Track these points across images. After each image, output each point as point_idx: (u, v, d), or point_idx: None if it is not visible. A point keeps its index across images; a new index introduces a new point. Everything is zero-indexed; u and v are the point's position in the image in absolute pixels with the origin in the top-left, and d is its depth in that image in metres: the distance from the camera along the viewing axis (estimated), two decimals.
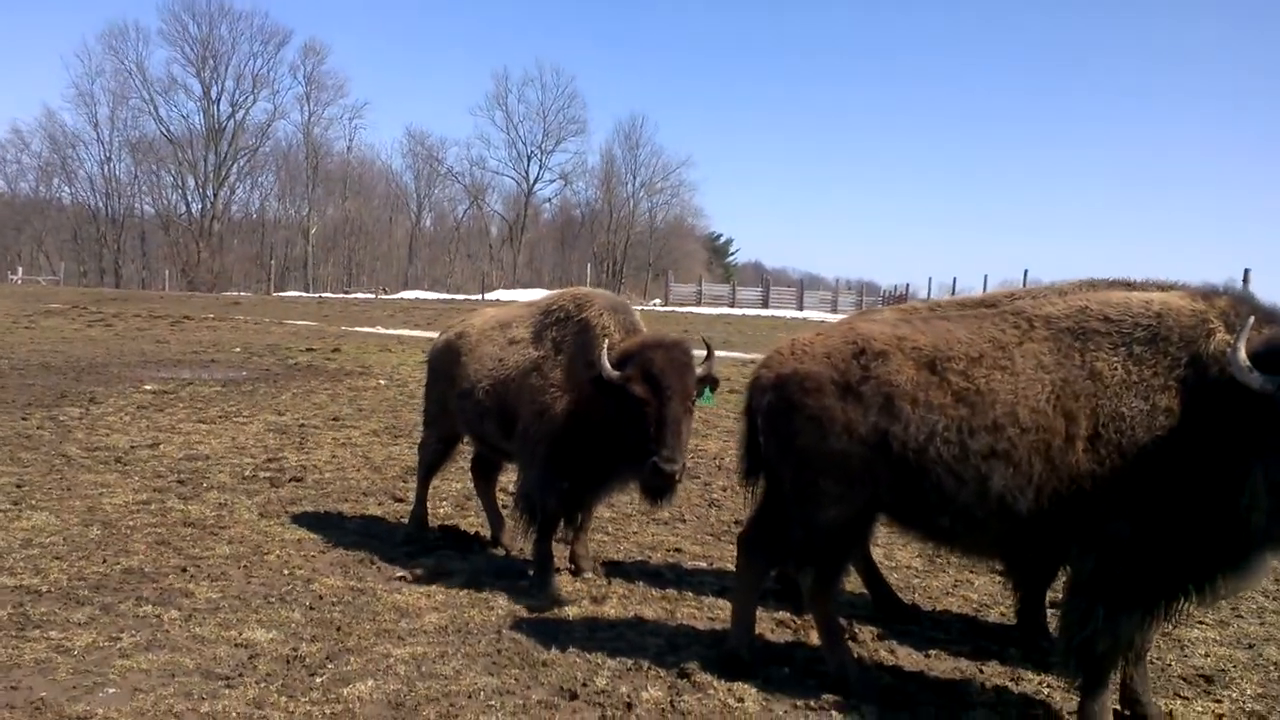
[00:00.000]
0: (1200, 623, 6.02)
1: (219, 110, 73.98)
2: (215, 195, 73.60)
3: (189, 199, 73.99)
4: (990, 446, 4.45)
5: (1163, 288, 5.03)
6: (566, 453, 6.06)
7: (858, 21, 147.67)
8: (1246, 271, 24.04)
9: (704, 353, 5.92)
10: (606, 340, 5.84)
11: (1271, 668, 5.40)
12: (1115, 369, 4.37)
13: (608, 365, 5.54)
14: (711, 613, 5.97)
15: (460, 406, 6.99)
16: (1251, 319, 4.02)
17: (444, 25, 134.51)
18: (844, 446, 4.72)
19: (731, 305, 59.78)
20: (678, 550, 7.43)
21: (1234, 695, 5.00)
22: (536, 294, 7.84)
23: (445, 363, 7.28)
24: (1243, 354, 3.86)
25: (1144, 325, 4.41)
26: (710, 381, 5.80)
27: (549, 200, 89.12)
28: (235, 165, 75.34)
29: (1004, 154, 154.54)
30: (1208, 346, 4.24)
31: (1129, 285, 5.31)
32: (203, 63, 72.97)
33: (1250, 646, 5.72)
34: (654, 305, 58.56)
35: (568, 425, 6.01)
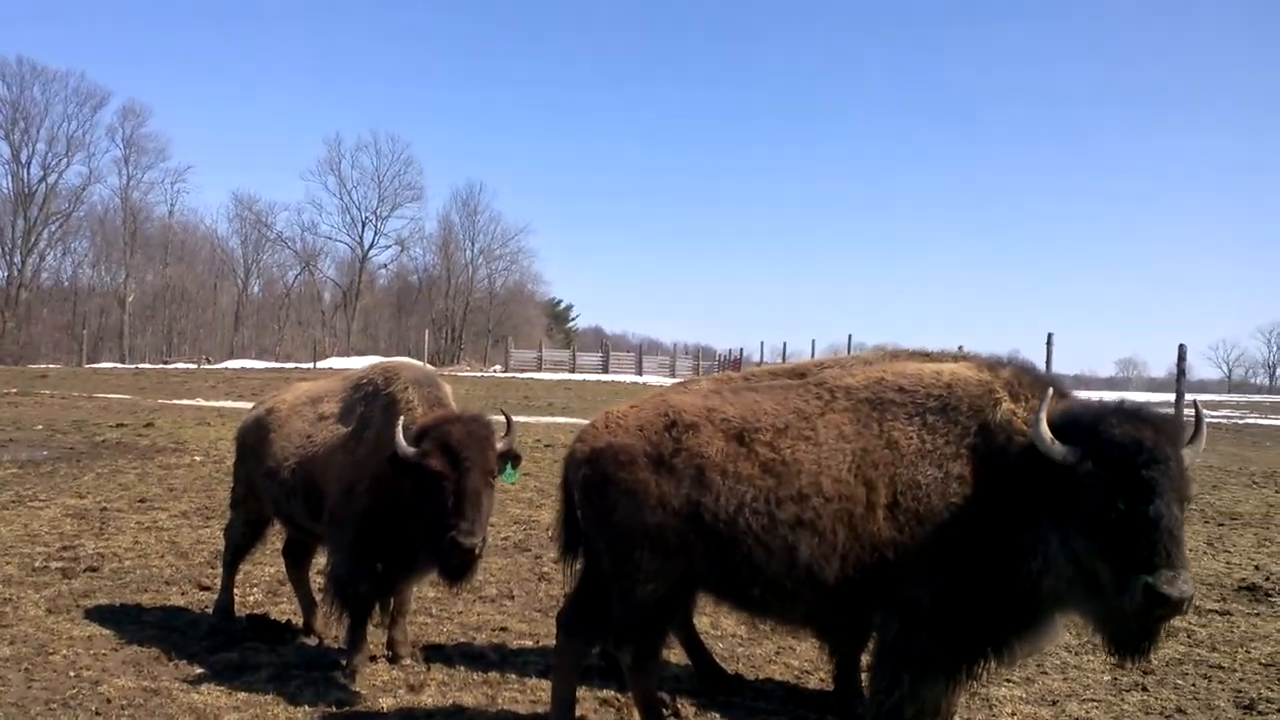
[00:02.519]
0: (1008, 680, 6.25)
1: (29, 174, 69.65)
2: (23, 262, 68.94)
3: None
4: (796, 516, 4.52)
5: (956, 358, 5.32)
6: (377, 534, 5.84)
7: (696, 91, 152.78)
8: (1050, 335, 25.88)
9: (505, 427, 5.86)
10: (404, 416, 5.70)
11: None
12: (911, 438, 4.53)
13: (403, 441, 5.41)
14: (534, 695, 5.81)
15: (266, 486, 6.67)
16: (1050, 391, 4.22)
17: (273, 88, 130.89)
18: (659, 519, 4.71)
19: (572, 370, 60.00)
20: (503, 629, 7.24)
21: None
22: (372, 361, 7.61)
23: (253, 440, 6.95)
24: (1044, 425, 4.03)
25: (935, 395, 4.60)
26: (512, 457, 5.74)
27: (385, 266, 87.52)
28: (46, 231, 70.91)
29: (834, 219, 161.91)
30: (994, 415, 4.44)
31: (925, 355, 5.58)
32: (12, 124, 68.69)
33: (1054, 703, 5.96)
34: (494, 371, 58.08)
35: (376, 505, 5.81)
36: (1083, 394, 5.38)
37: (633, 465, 4.80)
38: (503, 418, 5.94)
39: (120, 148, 74.11)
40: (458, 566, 5.39)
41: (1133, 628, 3.94)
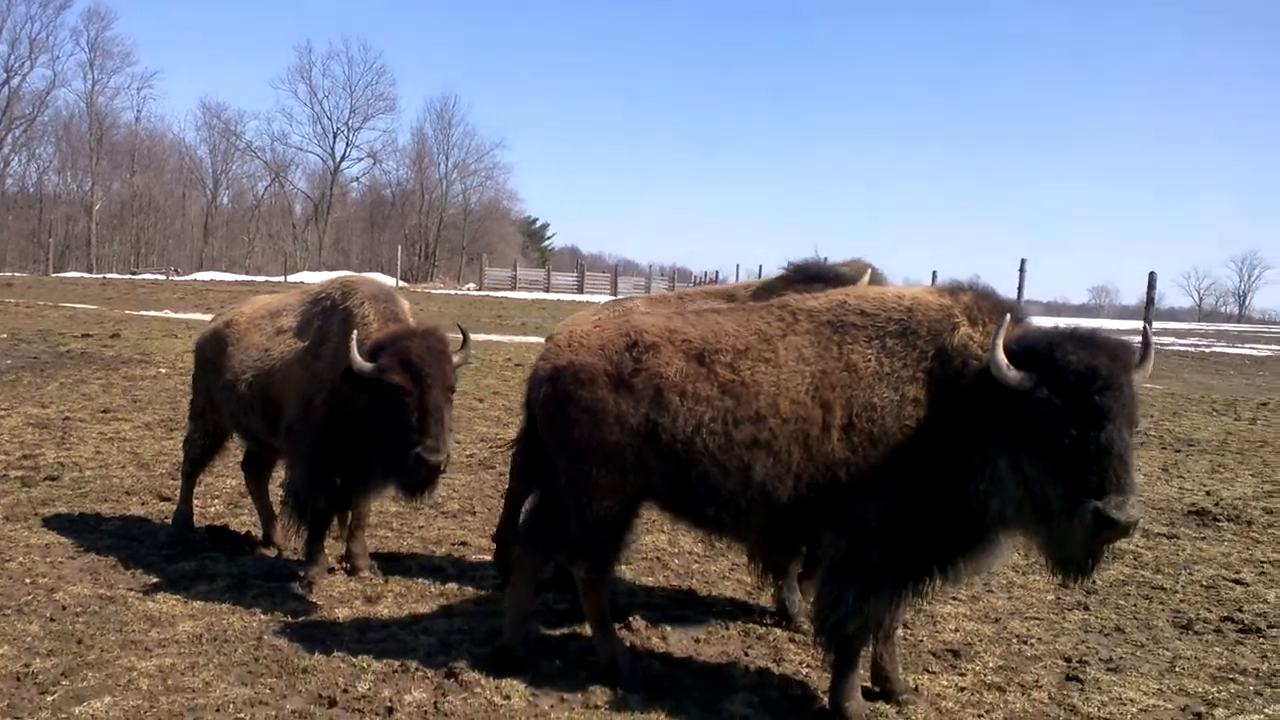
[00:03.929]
0: (953, 599, 6.39)
1: None
2: None
3: None
4: (753, 436, 4.55)
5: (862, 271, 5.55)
6: (334, 448, 5.83)
7: (677, 5, 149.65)
8: (1023, 261, 25.99)
9: (460, 341, 5.84)
10: (358, 331, 5.64)
11: (1014, 640, 5.78)
12: (869, 361, 4.54)
13: (358, 356, 5.37)
14: (490, 607, 5.88)
15: (225, 399, 6.63)
16: (1007, 317, 4.22)
17: None
18: (616, 438, 4.73)
19: (547, 290, 59.72)
20: (463, 544, 7.31)
21: (977, 668, 5.33)
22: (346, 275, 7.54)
23: (212, 352, 6.87)
24: (1000, 351, 4.05)
25: (895, 319, 4.60)
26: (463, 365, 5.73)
27: (357, 179, 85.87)
28: (10, 136, 69.00)
29: (813, 143, 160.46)
30: (952, 340, 4.45)
31: (836, 274, 5.74)
32: None
33: (996, 620, 6.11)
34: (468, 289, 57.75)
35: (333, 419, 5.78)
36: (1052, 320, 5.42)
37: (592, 384, 4.79)
38: (459, 333, 5.92)
39: (85, 50, 71.90)
40: (421, 482, 5.41)
41: (1078, 549, 4.02)
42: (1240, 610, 6.38)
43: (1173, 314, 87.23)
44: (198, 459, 7.28)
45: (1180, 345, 36.25)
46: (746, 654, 5.41)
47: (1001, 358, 4.04)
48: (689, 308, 5.71)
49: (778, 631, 5.76)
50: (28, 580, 5.95)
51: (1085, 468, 3.81)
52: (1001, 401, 4.06)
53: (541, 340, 20.32)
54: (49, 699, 4.40)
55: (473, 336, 5.86)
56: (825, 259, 6.26)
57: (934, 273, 24.63)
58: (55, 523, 7.19)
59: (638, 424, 4.71)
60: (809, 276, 5.89)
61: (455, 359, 5.58)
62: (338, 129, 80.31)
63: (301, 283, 40.05)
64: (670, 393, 4.68)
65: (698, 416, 4.62)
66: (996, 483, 4.15)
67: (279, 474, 7.40)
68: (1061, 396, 3.88)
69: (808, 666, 5.23)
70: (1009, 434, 4.07)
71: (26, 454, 9.31)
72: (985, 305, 4.55)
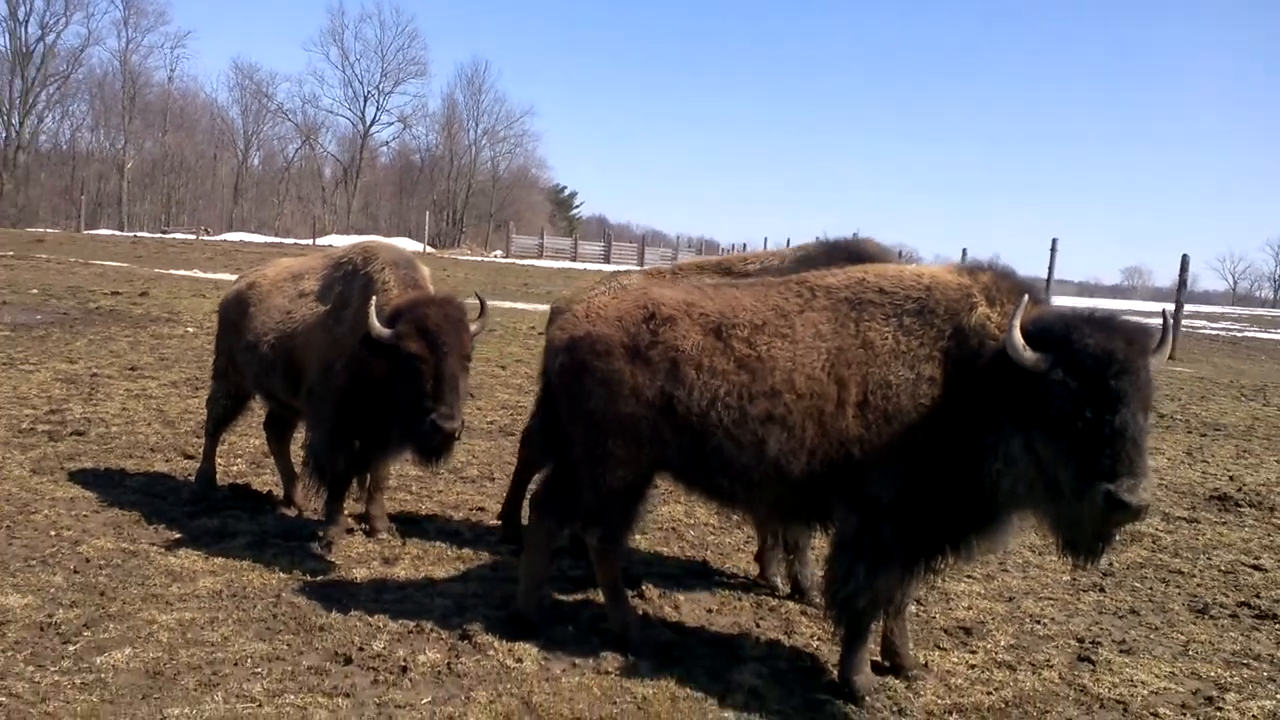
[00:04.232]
0: (968, 576, 6.39)
1: (26, 32, 68.03)
2: (21, 124, 67.82)
3: None
4: (768, 411, 4.55)
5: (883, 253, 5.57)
6: (354, 412, 5.89)
7: None
8: (1054, 241, 25.68)
9: (478, 310, 5.89)
10: (377, 297, 5.67)
11: (1027, 620, 5.78)
12: (886, 338, 4.53)
13: (376, 323, 5.41)
14: (505, 572, 5.94)
15: (247, 360, 6.70)
16: (1025, 298, 4.20)
17: None
18: (632, 409, 4.75)
19: (573, 259, 59.70)
20: (481, 509, 7.38)
21: (988, 646, 5.33)
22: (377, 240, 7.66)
23: (234, 313, 6.94)
24: (1017, 332, 4.03)
25: (914, 298, 4.58)
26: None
27: (386, 144, 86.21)
28: (44, 92, 69.66)
29: (844, 120, 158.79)
30: (969, 319, 4.43)
31: (855, 251, 5.75)
32: None
33: (1010, 599, 6.11)
34: (495, 257, 57.82)
35: (354, 383, 5.83)
36: (1084, 301, 5.38)
37: (609, 355, 4.81)
38: (476, 300, 5.95)
39: (119, 8, 72.49)
40: (436, 448, 5.46)
41: (1089, 531, 4.01)
42: (1258, 596, 6.34)
43: (1206, 297, 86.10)
44: (220, 418, 7.37)
45: (1212, 329, 35.83)
46: (758, 625, 5.45)
47: (1018, 338, 4.02)
48: (684, 281, 5.76)
49: (790, 604, 5.79)
50: (52, 533, 6.07)
51: (1098, 450, 3.80)
52: (1017, 382, 4.04)
53: None
54: (71, 649, 4.49)
55: (498, 304, 5.93)
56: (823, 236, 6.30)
57: (963, 250, 24.45)
58: (81, 477, 7.31)
59: (653, 396, 4.72)
60: (822, 254, 5.94)
61: (473, 327, 5.60)
62: (368, 93, 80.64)
63: (329, 246, 40.31)
64: (686, 366, 4.69)
65: (713, 390, 4.63)
66: (1009, 463, 4.14)
67: (301, 435, 7.50)
68: (1076, 379, 3.86)
69: (819, 639, 5.26)
70: (1023, 415, 4.05)
71: (54, 409, 9.46)
72: (1004, 285, 4.52)
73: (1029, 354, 3.99)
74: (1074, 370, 3.89)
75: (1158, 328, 4.23)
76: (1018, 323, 4.05)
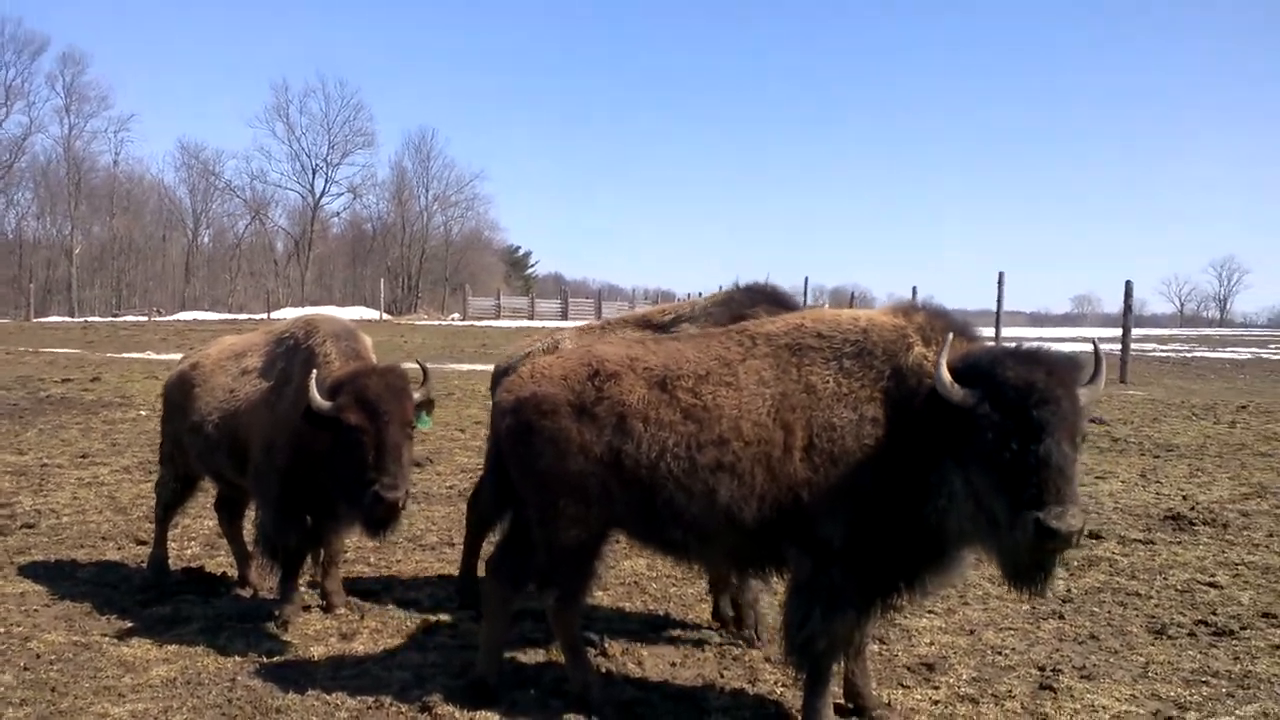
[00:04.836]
0: (929, 612, 6.42)
1: None
2: None
3: None
4: (717, 460, 4.58)
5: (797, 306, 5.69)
6: (302, 487, 5.85)
7: (645, 31, 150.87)
8: (1001, 275, 26.14)
9: (421, 376, 5.89)
10: (318, 370, 5.66)
11: (989, 651, 5.81)
12: (827, 382, 4.58)
13: (317, 395, 5.40)
14: (466, 640, 5.88)
15: (192, 441, 6.63)
16: (950, 335, 4.30)
17: (215, 31, 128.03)
18: (581, 467, 4.76)
19: (531, 318, 59.88)
20: (441, 576, 7.31)
21: (950, 681, 5.35)
22: (327, 312, 7.70)
23: (179, 395, 6.89)
24: (945, 369, 4.11)
25: (852, 340, 4.65)
26: (427, 405, 5.75)
27: (337, 214, 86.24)
28: None
29: (789, 163, 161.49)
30: (907, 359, 4.51)
31: (773, 295, 5.89)
32: None
33: (971, 632, 6.14)
34: (453, 320, 57.76)
35: (300, 459, 5.79)
36: (1035, 332, 5.50)
37: (555, 414, 4.83)
38: (418, 366, 5.95)
39: (61, 96, 72.38)
40: (381, 519, 5.42)
41: (1026, 560, 4.06)
42: (1214, 613, 6.43)
43: (1155, 320, 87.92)
44: (170, 502, 7.27)
45: (1162, 351, 36.54)
46: (722, 675, 5.43)
47: (946, 375, 4.10)
48: (619, 336, 5.86)
49: (753, 653, 5.77)
50: (2, 630, 5.93)
51: (1025, 480, 3.87)
52: (951, 419, 4.11)
53: None
54: None
55: (456, 367, 5.97)
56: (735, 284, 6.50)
57: (914, 288, 24.75)
58: (31, 570, 7.17)
59: (602, 452, 4.74)
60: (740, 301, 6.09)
61: (417, 395, 5.61)
62: (316, 165, 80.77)
63: (282, 320, 40.01)
64: (633, 420, 4.72)
65: (661, 442, 4.66)
66: (951, 499, 4.20)
67: (254, 514, 7.42)
68: (1000, 411, 3.95)
69: (782, 686, 5.25)
70: (959, 450, 4.13)
71: (3, 503, 9.28)
72: (938, 325, 4.61)
73: (957, 390, 4.07)
74: (998, 403, 3.97)
75: (1086, 357, 4.34)
76: (945, 360, 4.14)
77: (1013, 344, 4.37)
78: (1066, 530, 3.79)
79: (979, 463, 4.02)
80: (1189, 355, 34.86)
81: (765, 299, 6.05)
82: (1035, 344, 4.41)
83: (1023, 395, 3.94)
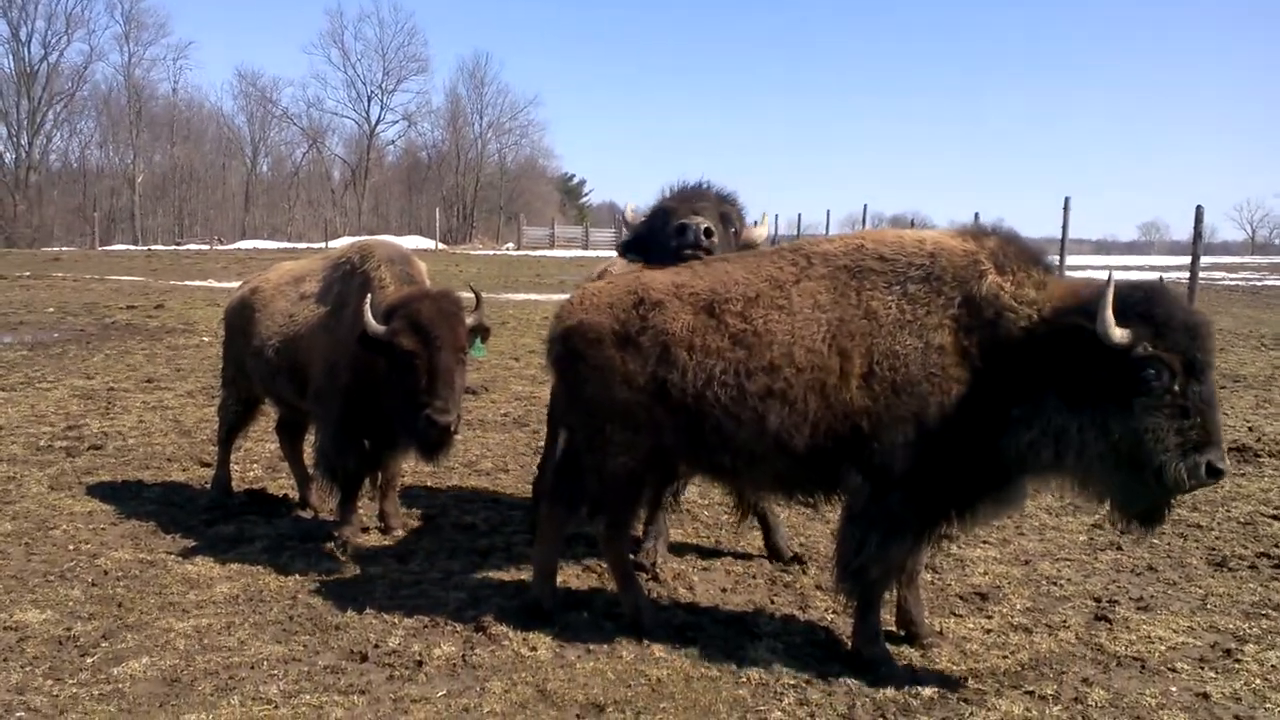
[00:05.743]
0: (984, 542, 6.37)
1: (30, 52, 68.50)
2: (30, 144, 68.42)
3: (2, 149, 68.59)
4: (767, 387, 4.51)
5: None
6: (360, 411, 5.91)
7: None
8: (1067, 200, 25.38)
9: (474, 302, 5.88)
10: (373, 295, 5.68)
11: (1043, 582, 5.75)
12: (890, 308, 4.45)
13: (371, 320, 5.41)
14: (519, 562, 5.97)
15: (254, 365, 6.75)
16: (1113, 282, 4.05)
17: None
18: (625, 396, 4.74)
19: (585, 247, 59.61)
20: (495, 502, 7.40)
21: (1004, 610, 5.31)
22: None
23: (239, 320, 7.00)
24: (1109, 312, 3.92)
25: (918, 265, 4.50)
26: (481, 331, 5.75)
27: (393, 142, 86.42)
28: (51, 111, 70.13)
29: (848, 86, 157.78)
30: (980, 288, 4.34)
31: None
32: (9, 2, 67.22)
33: (1026, 563, 6.08)
34: (507, 249, 57.88)
35: (358, 382, 5.85)
36: (1101, 260, 5.33)
37: (600, 343, 4.80)
38: (471, 293, 5.94)
39: (120, 23, 73.05)
40: (434, 443, 5.47)
41: (1164, 501, 4.08)
42: (1277, 546, 6.29)
43: (1225, 247, 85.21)
44: (233, 425, 7.43)
45: (1231, 279, 35.39)
46: (772, 601, 5.45)
47: (1110, 317, 3.92)
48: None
49: (804, 579, 5.79)
50: (71, 547, 6.14)
51: (1191, 423, 3.87)
52: (1074, 357, 4.01)
53: None
54: (89, 661, 4.54)
55: (511, 296, 5.95)
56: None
57: (976, 213, 24.11)
58: (98, 490, 7.39)
59: (646, 382, 4.71)
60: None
61: (469, 320, 5.61)
62: (371, 92, 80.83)
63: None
64: (678, 348, 4.66)
65: (708, 369, 4.60)
66: (1058, 436, 4.09)
67: (314, 437, 7.55)
68: (1169, 353, 3.89)
69: (832, 612, 5.25)
70: (1085, 390, 4.02)
71: (71, 425, 9.55)
72: (1011, 251, 4.46)
73: (1119, 332, 3.92)
74: (1166, 345, 3.90)
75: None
76: (1109, 303, 3.93)
77: (1136, 281, 4.22)
78: (1228, 471, 3.80)
79: (1123, 404, 3.94)
80: (1259, 284, 33.74)
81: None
82: (1152, 282, 4.26)
83: (1191, 336, 3.91)
